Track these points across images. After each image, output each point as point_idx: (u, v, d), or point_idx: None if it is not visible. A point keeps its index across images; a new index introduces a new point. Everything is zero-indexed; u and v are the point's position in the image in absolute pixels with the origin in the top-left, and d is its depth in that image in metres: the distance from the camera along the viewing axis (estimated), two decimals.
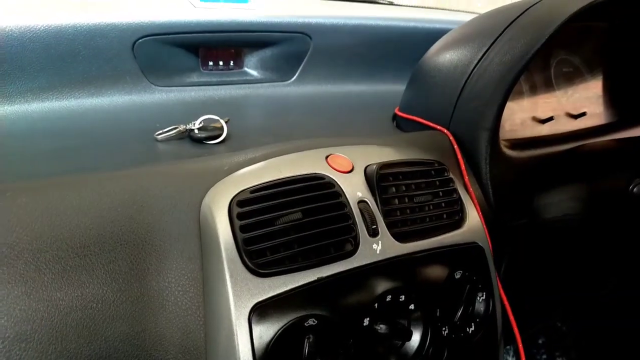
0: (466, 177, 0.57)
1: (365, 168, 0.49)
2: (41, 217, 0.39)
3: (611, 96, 0.81)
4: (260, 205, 0.42)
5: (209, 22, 0.77)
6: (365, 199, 0.47)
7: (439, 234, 0.50)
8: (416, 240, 0.48)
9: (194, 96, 0.77)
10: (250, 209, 0.42)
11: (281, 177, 0.44)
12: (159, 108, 0.72)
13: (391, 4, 1.09)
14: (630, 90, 0.80)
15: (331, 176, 0.46)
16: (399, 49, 0.90)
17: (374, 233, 0.45)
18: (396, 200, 0.49)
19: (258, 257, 0.40)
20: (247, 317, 0.38)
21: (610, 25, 0.78)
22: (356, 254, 0.44)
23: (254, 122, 0.73)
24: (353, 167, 0.49)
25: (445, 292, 0.48)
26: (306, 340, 0.40)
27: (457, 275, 0.49)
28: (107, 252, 0.39)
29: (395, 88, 0.77)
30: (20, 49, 0.65)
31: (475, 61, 0.60)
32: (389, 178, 0.49)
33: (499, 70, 0.58)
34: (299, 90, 0.85)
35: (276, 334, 0.39)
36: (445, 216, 0.51)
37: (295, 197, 0.43)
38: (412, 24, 0.93)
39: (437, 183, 0.52)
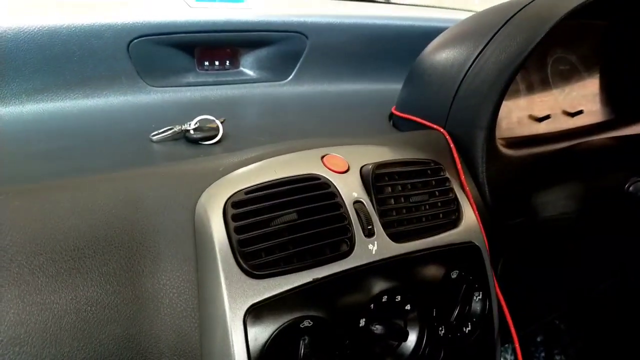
0: (462, 177, 0.57)
1: (361, 168, 0.49)
2: (35, 220, 0.38)
3: (608, 94, 0.81)
4: (255, 206, 0.42)
5: (204, 22, 0.77)
6: (361, 199, 0.46)
7: (435, 234, 0.49)
8: (412, 240, 0.48)
9: (190, 96, 0.77)
10: (245, 210, 0.41)
11: (276, 177, 0.44)
12: (154, 109, 0.72)
13: (388, 2, 1.09)
14: (628, 88, 0.80)
15: (327, 176, 0.46)
16: (395, 48, 0.90)
17: (369, 233, 0.45)
18: (392, 200, 0.49)
19: (253, 259, 0.40)
20: (242, 318, 0.38)
21: (607, 23, 0.78)
22: (352, 254, 0.44)
23: (250, 122, 0.73)
24: (349, 167, 0.48)
25: (442, 292, 0.48)
26: (302, 341, 0.39)
27: (454, 275, 0.49)
28: (101, 254, 0.39)
29: (392, 87, 0.77)
30: (14, 50, 0.65)
31: (472, 60, 0.60)
32: (385, 178, 0.49)
33: (495, 68, 0.57)
34: (295, 90, 0.84)
35: (271, 335, 0.38)
36: (441, 216, 0.51)
37: (291, 198, 0.43)
38: (408, 22, 0.93)
39: (433, 182, 0.52)
